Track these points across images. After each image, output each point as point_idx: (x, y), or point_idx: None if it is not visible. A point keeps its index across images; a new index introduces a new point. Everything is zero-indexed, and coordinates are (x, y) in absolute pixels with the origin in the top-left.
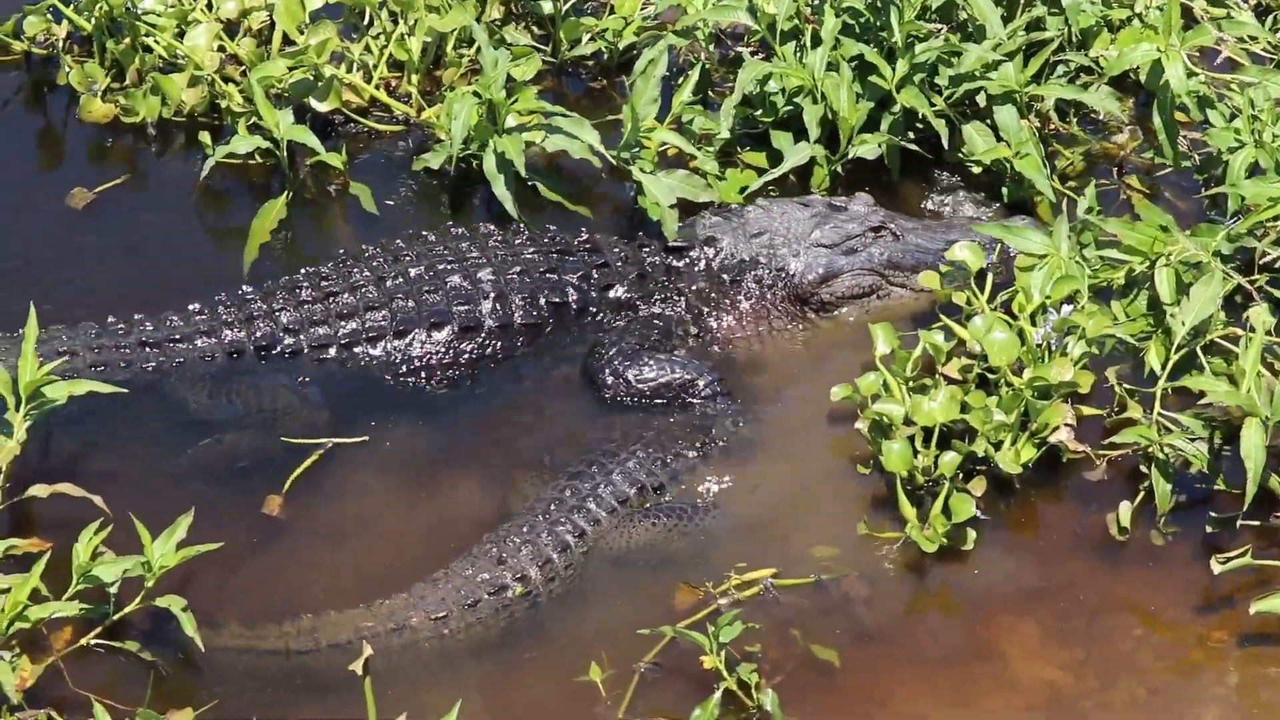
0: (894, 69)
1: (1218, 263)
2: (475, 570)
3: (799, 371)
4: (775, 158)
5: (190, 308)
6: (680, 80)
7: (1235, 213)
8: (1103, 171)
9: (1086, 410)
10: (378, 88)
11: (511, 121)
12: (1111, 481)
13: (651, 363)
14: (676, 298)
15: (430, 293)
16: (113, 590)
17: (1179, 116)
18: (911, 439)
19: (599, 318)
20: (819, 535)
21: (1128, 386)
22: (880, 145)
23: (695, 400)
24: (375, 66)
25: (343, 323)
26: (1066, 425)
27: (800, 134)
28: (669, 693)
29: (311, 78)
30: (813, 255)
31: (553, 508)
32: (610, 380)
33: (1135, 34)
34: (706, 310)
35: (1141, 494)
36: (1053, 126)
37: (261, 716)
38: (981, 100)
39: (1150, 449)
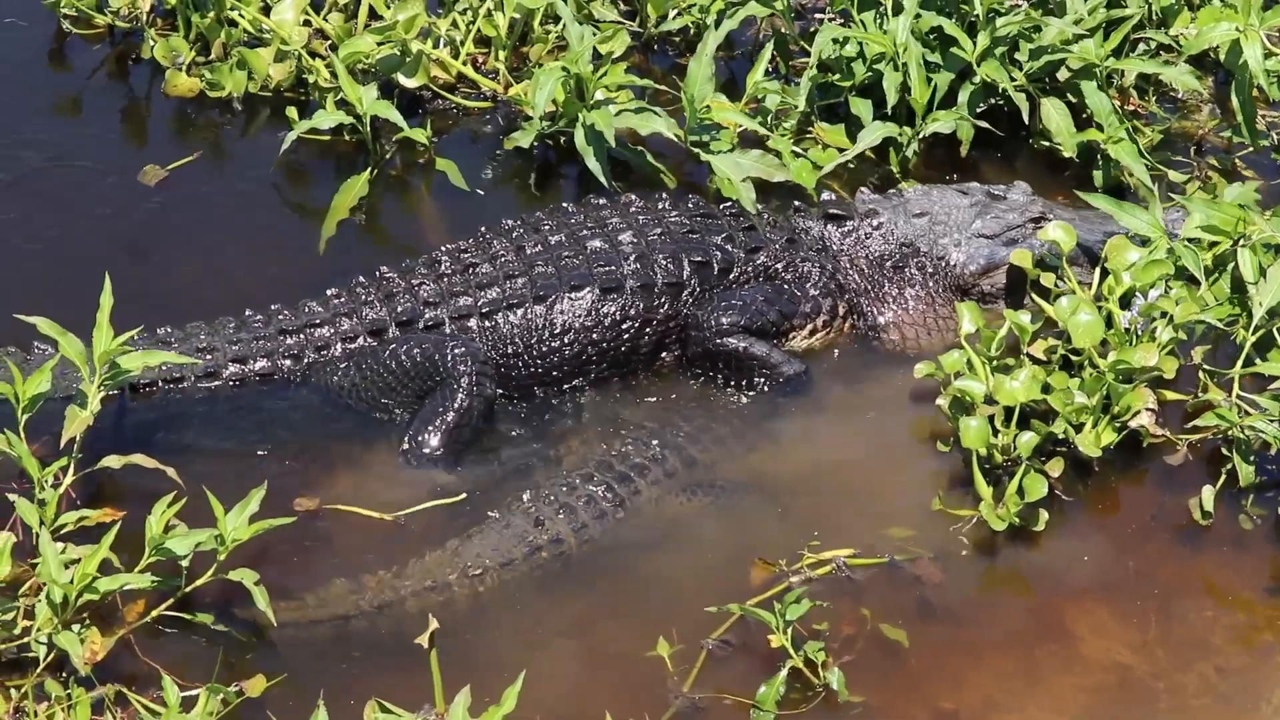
0: (974, 42)
1: None
2: (512, 529)
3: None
4: (853, 129)
5: (328, 292)
6: (755, 58)
7: None
8: (1181, 150)
9: (1170, 395)
10: (465, 64)
11: (600, 96)
12: (1191, 465)
13: (746, 325)
14: (826, 268)
15: (570, 257)
16: (185, 563)
17: (1257, 96)
18: (991, 418)
19: (743, 281)
20: (896, 513)
21: (1209, 369)
22: (957, 121)
23: (768, 382)
24: (462, 42)
25: (483, 292)
26: (1148, 410)
27: (879, 102)
28: (737, 670)
29: (399, 53)
30: (974, 246)
31: (596, 473)
32: (702, 324)
33: (1214, 13)
34: (866, 299)
35: (1223, 478)
36: (1132, 104)
37: (327, 687)
38: (1061, 76)
39: (1230, 432)
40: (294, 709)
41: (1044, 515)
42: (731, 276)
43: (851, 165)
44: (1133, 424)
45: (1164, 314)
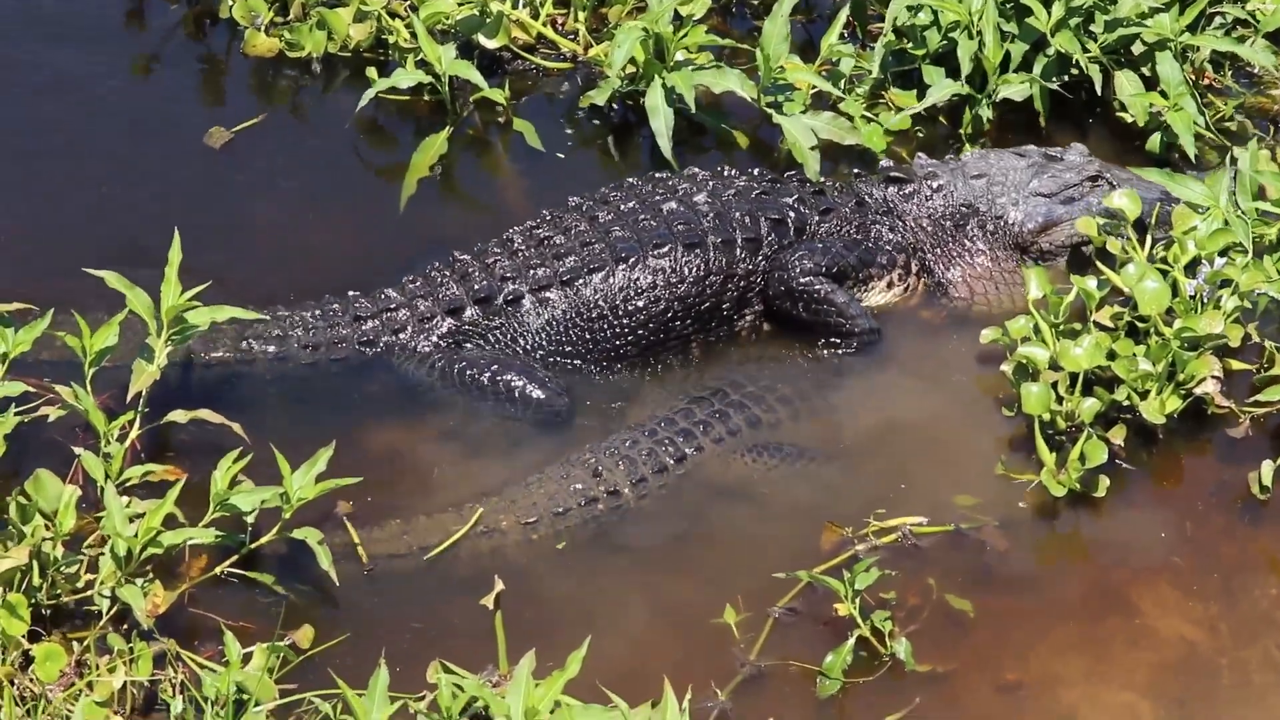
0: (1049, 12)
1: None
2: (570, 479)
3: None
4: (924, 94)
5: (404, 279)
6: (831, 18)
7: None
8: (1259, 125)
9: (1235, 365)
10: (544, 25)
11: (680, 58)
12: (1256, 439)
13: (828, 267)
14: (895, 228)
15: (647, 220)
16: (249, 520)
17: None
18: (1055, 384)
19: (817, 236)
20: (962, 480)
21: (1274, 344)
22: (1028, 85)
23: (839, 336)
24: (542, 3)
25: (560, 261)
26: (1213, 378)
27: (952, 72)
28: (803, 638)
29: (479, 14)
30: (1032, 204)
31: (660, 428)
32: (787, 264)
33: None
34: (933, 256)
35: None
36: (1208, 78)
37: (389, 646)
38: (1136, 49)
39: None
40: (355, 667)
41: (1105, 481)
42: (805, 235)
43: (921, 134)
44: (1197, 391)
45: (1228, 282)
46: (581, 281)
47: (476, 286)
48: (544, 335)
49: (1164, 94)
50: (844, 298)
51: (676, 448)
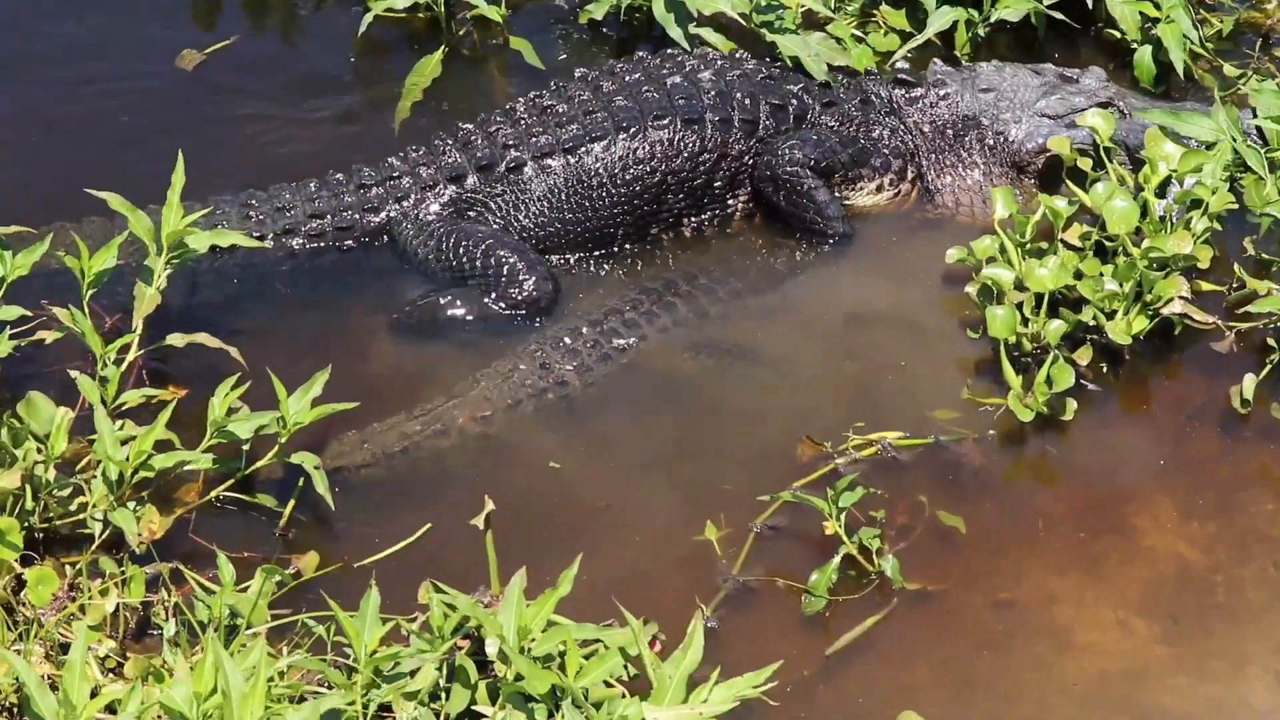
0: None
1: None
2: (518, 374)
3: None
4: (916, 15)
5: (407, 149)
6: None
7: None
8: (1247, 41)
9: (1206, 285)
10: None
11: None
12: (1233, 355)
13: (817, 160)
14: (897, 130)
15: (649, 92)
16: (245, 446)
17: None
18: (1021, 305)
19: (816, 126)
20: (934, 398)
21: (1267, 256)
22: (1028, 7)
23: (811, 232)
24: None
25: (563, 129)
26: (1181, 298)
27: None
28: (786, 553)
29: None
30: (1034, 124)
31: (607, 319)
32: (778, 150)
33: None
34: (927, 162)
35: (1269, 368)
36: None
37: (379, 566)
38: None
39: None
40: (347, 588)
41: (1072, 405)
42: (805, 124)
43: (911, 56)
44: (1165, 312)
45: (1198, 201)
46: (583, 149)
47: (479, 154)
48: (545, 203)
49: (1156, 5)
50: (825, 196)
51: (622, 341)
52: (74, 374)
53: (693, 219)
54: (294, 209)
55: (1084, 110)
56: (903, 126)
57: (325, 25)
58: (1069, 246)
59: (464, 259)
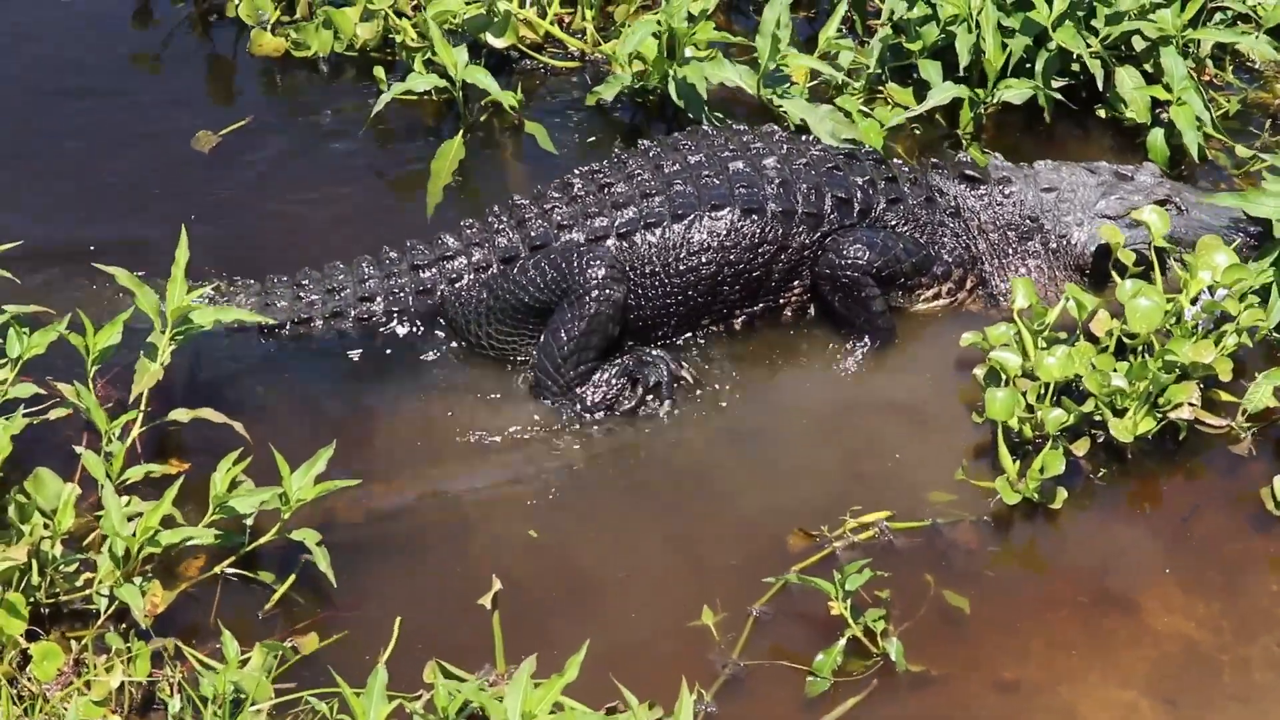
0: (1051, 6)
1: None
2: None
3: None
4: (922, 92)
5: (462, 223)
6: (830, 13)
7: None
8: (1256, 122)
9: (1224, 396)
10: (552, 23)
11: (689, 53)
12: (1249, 456)
13: (880, 268)
14: (960, 235)
15: (710, 177)
16: (248, 521)
17: None
18: (1026, 393)
19: (881, 223)
20: (934, 481)
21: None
22: (1031, 90)
23: (856, 331)
24: (549, 2)
25: (619, 212)
26: (1190, 404)
27: (950, 66)
28: (784, 637)
29: (487, 12)
30: (1096, 227)
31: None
32: (841, 248)
33: None
34: (990, 266)
35: None
36: (1208, 75)
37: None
38: (1137, 44)
39: None
40: (355, 666)
41: (1062, 493)
42: (869, 220)
43: (918, 130)
44: (1172, 415)
45: (1229, 315)
46: (638, 235)
47: (533, 233)
48: None
49: (1167, 88)
50: (880, 306)
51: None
52: (80, 450)
53: (745, 310)
54: (345, 290)
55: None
56: (966, 230)
57: (338, 107)
58: (1090, 339)
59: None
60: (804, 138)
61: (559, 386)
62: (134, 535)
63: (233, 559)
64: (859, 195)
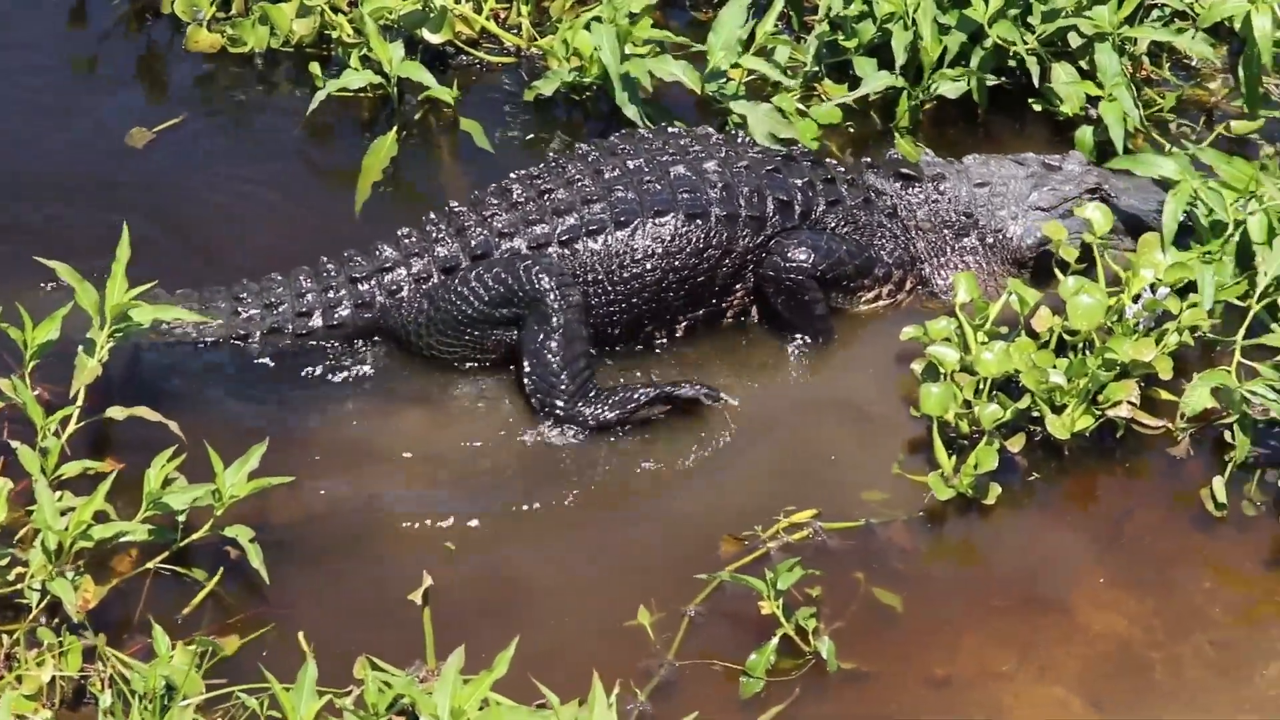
0: (987, 3)
1: None
2: None
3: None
4: (856, 88)
5: (399, 232)
6: (766, 8)
7: None
8: (1192, 118)
9: (1165, 395)
10: (488, 19)
11: (627, 50)
12: (1170, 456)
13: (824, 272)
14: (898, 236)
15: (652, 182)
16: (181, 518)
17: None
18: (965, 389)
19: (821, 226)
20: (871, 476)
21: (1213, 337)
22: (966, 82)
23: (798, 333)
24: None
25: (560, 219)
26: (1129, 403)
27: (886, 64)
28: (719, 637)
29: (423, 8)
30: (1031, 219)
31: None
32: (785, 251)
33: None
34: (930, 266)
35: (1229, 466)
36: (1145, 71)
37: (318, 640)
38: (1074, 40)
39: (1229, 413)
40: (285, 661)
41: (995, 489)
42: (810, 222)
43: (853, 129)
44: (1111, 414)
45: (1170, 314)
46: (580, 244)
47: (473, 243)
48: None
49: (1100, 84)
50: (822, 310)
51: None
52: (15, 445)
53: (689, 315)
54: (283, 305)
55: (1075, 199)
56: (905, 230)
57: (274, 103)
58: (1032, 335)
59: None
60: (740, 139)
61: (564, 407)
62: (66, 530)
63: (165, 555)
64: (799, 197)
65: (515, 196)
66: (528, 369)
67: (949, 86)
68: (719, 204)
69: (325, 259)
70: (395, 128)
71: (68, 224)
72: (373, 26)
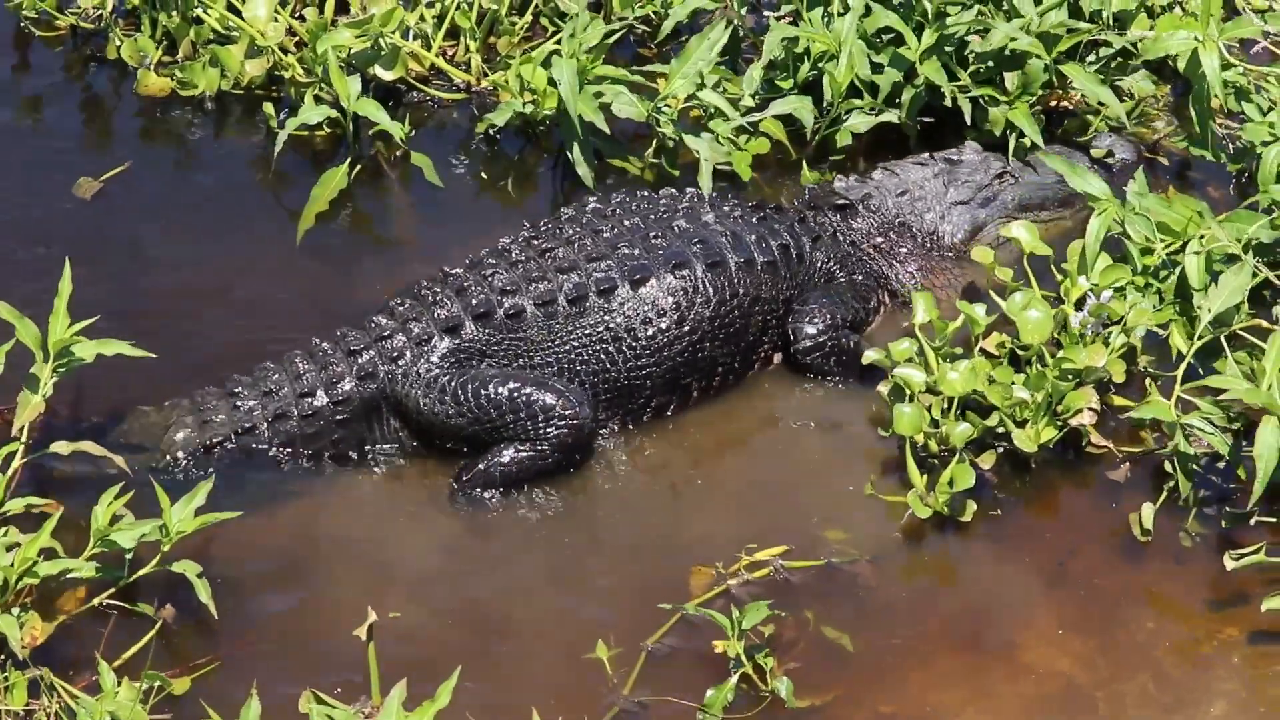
0: (920, 41)
1: (1250, 255)
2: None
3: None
4: (792, 125)
5: (392, 302)
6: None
7: (1266, 209)
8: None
9: (1118, 400)
10: (437, 55)
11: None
12: (1134, 477)
13: (845, 320)
14: (864, 260)
15: (658, 238)
16: (128, 554)
17: (1215, 106)
18: (931, 408)
19: (810, 274)
20: (835, 505)
21: (1154, 372)
22: (874, 117)
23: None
24: (433, 35)
25: (564, 276)
26: (1090, 409)
27: (820, 102)
28: (677, 673)
29: (373, 47)
30: (956, 215)
31: None
32: (811, 329)
33: (1173, 20)
34: (898, 283)
35: (1164, 494)
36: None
37: (261, 676)
38: (1011, 83)
39: (1170, 445)
40: (229, 697)
41: (971, 506)
42: (804, 264)
43: (780, 158)
44: (1073, 422)
45: (1117, 319)
46: (589, 301)
47: (474, 302)
48: (550, 352)
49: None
50: (855, 349)
51: None
52: None
53: (726, 367)
54: (283, 390)
55: (987, 185)
56: (867, 255)
57: (222, 147)
58: (986, 355)
59: (488, 406)
60: (708, 197)
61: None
62: (12, 566)
63: (112, 591)
64: (791, 240)
65: (513, 256)
66: (490, 458)
67: (860, 120)
68: (734, 251)
69: (317, 340)
70: (348, 161)
71: (11, 282)
72: (334, 61)
